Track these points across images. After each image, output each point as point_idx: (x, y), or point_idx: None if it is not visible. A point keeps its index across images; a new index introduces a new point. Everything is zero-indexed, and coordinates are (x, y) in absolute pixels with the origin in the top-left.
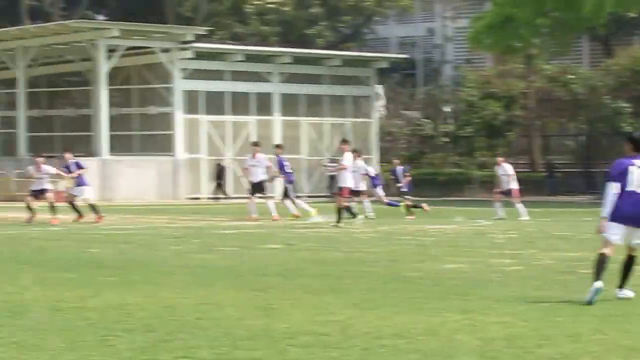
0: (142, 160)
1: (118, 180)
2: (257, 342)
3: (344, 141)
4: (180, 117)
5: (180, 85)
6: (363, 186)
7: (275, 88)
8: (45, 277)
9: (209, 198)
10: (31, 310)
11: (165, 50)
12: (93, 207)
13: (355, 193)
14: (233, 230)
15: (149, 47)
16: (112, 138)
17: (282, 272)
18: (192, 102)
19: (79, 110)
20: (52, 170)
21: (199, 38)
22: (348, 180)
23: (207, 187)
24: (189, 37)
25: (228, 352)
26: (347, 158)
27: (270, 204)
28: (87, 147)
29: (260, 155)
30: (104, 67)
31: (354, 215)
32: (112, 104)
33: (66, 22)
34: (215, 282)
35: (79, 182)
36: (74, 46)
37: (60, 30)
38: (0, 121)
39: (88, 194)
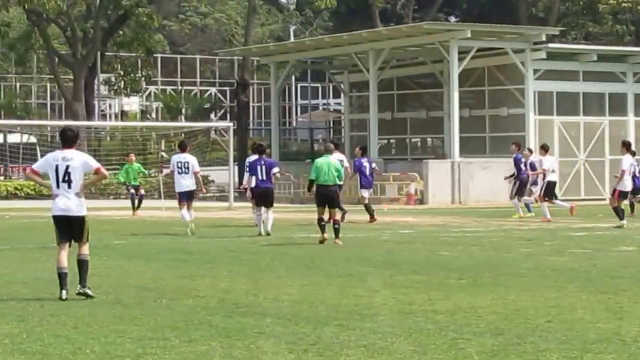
0: (493, 162)
1: (469, 183)
2: (607, 346)
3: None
4: (532, 118)
5: (533, 86)
6: None
7: (629, 88)
8: (394, 280)
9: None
10: (380, 313)
11: (518, 51)
12: (367, 208)
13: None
14: (584, 233)
15: (500, 48)
16: (463, 140)
17: (635, 274)
18: (543, 103)
19: (430, 112)
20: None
21: (552, 38)
22: (621, 183)
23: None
24: (542, 38)
25: (578, 355)
26: (626, 161)
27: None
28: (438, 150)
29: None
30: (455, 68)
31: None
32: (463, 105)
33: (419, 24)
34: (566, 285)
35: (366, 184)
36: (425, 48)
37: (413, 32)
38: (352, 124)
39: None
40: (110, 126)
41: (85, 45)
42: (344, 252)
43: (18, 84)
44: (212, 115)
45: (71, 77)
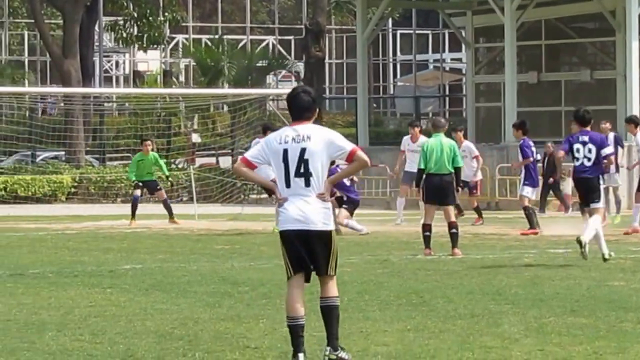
0: None
1: None
2: None
3: None
4: None
5: None
6: None
7: None
8: (541, 324)
9: None
10: None
11: None
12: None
13: None
14: None
15: None
16: None
17: None
18: None
19: (595, 72)
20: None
21: None
22: None
23: None
24: None
25: None
26: None
27: None
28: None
29: None
30: (635, 7)
31: None
32: None
33: None
34: None
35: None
36: None
37: None
38: (478, 90)
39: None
40: (117, 94)
41: None
42: (466, 282)
43: None
44: (269, 78)
45: (60, 21)
